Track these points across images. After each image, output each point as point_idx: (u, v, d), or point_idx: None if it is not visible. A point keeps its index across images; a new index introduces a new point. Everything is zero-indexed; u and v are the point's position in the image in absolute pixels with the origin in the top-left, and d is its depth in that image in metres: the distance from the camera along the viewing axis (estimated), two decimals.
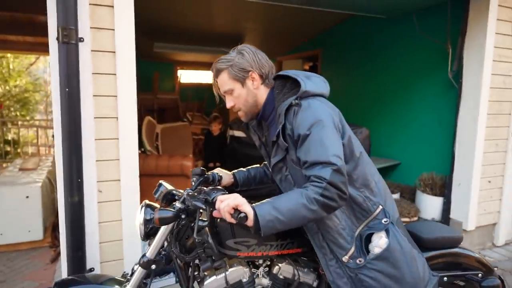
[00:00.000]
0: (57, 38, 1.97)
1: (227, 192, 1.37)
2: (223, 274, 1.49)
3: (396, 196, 4.21)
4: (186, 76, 9.24)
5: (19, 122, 9.04)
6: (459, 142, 3.62)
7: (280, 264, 1.57)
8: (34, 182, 3.61)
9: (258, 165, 1.87)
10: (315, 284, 1.65)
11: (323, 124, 1.31)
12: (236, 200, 1.26)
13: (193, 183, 1.64)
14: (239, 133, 4.78)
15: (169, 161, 4.38)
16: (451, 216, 3.73)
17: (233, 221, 1.25)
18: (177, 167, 4.32)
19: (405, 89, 4.61)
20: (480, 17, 3.38)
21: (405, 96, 4.63)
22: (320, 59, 6.61)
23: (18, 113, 9.81)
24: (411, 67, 4.52)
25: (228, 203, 1.25)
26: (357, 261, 1.42)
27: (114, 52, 2.19)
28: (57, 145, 2.12)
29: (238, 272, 1.51)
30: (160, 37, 6.71)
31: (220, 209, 1.27)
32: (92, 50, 2.13)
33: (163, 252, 1.52)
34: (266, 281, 1.59)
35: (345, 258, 1.43)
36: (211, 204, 1.33)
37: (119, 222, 2.33)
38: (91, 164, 2.18)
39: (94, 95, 2.17)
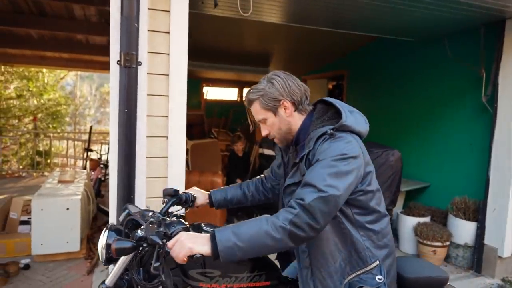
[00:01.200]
0: (119, 62, 2.10)
1: (187, 225, 1.31)
2: None
3: (427, 219, 4.17)
4: (212, 93, 9.44)
5: (51, 134, 9.37)
6: (494, 166, 3.60)
7: None
8: (74, 195, 3.75)
9: (237, 185, 1.86)
10: None
11: (344, 159, 1.26)
12: (184, 248, 1.17)
13: (164, 204, 1.60)
14: (268, 152, 4.86)
15: (200, 177, 4.48)
16: (485, 242, 3.68)
17: (191, 260, 1.21)
18: (207, 183, 4.41)
19: (435, 111, 4.62)
20: None
21: (435, 118, 4.63)
22: (346, 79, 6.67)
23: (50, 126, 10.18)
24: (442, 90, 4.53)
25: (177, 256, 1.18)
26: None
27: (168, 75, 2.32)
28: (112, 162, 2.22)
29: None
30: (190, 55, 6.91)
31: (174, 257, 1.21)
32: (148, 73, 2.25)
33: (126, 278, 1.45)
34: None
35: None
36: (170, 239, 1.24)
37: None
38: (142, 181, 2.27)
39: (147, 115, 2.28)
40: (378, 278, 1.36)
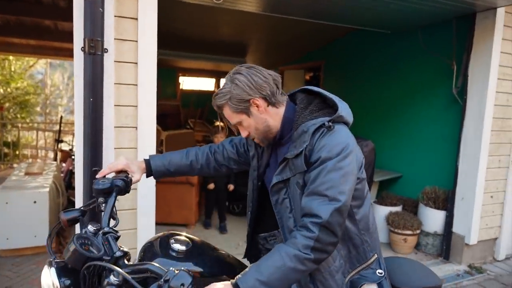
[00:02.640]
0: (83, 49, 2.00)
1: (192, 274, 1.04)
2: None
3: (399, 208, 4.26)
4: (188, 83, 9.28)
5: (19, 125, 9.00)
6: (462, 157, 3.70)
7: None
8: (41, 187, 3.61)
9: (183, 153, 1.61)
10: None
11: (347, 156, 1.21)
12: None
13: (102, 206, 1.29)
14: None
15: None
16: (454, 230, 3.79)
17: None
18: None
19: (409, 103, 4.70)
20: (485, 36, 3.48)
21: (408, 109, 4.71)
22: (323, 70, 6.70)
23: (18, 115, 9.77)
24: (415, 82, 4.61)
25: None
26: None
27: (136, 63, 2.24)
28: (77, 153, 2.14)
29: None
30: (163, 44, 6.74)
31: None
32: (115, 61, 2.17)
33: None
34: None
35: None
36: None
37: (134, 231, 2.35)
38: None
39: (115, 105, 2.20)
40: (379, 272, 1.32)
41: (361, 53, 5.55)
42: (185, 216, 4.41)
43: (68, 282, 1.12)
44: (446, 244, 3.86)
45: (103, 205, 1.30)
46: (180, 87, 8.84)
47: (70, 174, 5.31)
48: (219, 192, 4.43)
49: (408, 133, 4.71)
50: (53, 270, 1.12)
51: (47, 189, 3.58)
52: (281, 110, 1.35)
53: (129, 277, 1.03)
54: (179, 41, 6.56)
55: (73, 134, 8.11)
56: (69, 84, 18.35)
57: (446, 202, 3.91)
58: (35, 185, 3.70)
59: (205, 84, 9.74)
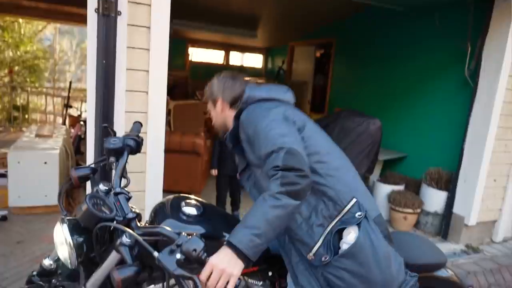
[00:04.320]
0: (97, 10, 2.01)
1: (203, 240, 1.04)
2: None
3: (401, 187, 4.31)
4: (198, 55, 9.22)
5: (28, 89, 9.04)
6: (469, 139, 3.70)
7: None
8: (52, 149, 3.70)
9: None
10: None
11: (267, 118, 1.34)
12: (226, 277, 1.08)
13: (113, 166, 1.33)
14: None
15: (182, 138, 4.46)
16: (454, 210, 3.85)
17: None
18: (189, 144, 4.41)
19: (419, 84, 4.66)
20: (503, 19, 3.41)
21: (417, 90, 4.68)
22: (334, 47, 6.61)
23: (28, 79, 9.79)
24: (426, 62, 4.55)
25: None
26: (322, 258, 1.32)
27: (149, 27, 2.24)
28: (89, 117, 2.18)
29: None
30: (174, 13, 6.64)
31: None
32: (128, 24, 2.17)
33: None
34: None
35: (309, 256, 1.34)
36: (188, 262, 1.02)
37: (143, 193, 2.43)
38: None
39: (127, 69, 2.22)
40: (358, 215, 1.32)
41: (373, 31, 5.46)
42: (191, 184, 4.49)
43: (80, 239, 1.15)
44: (446, 223, 3.92)
45: (114, 164, 1.33)
46: (189, 59, 8.79)
47: (79, 139, 5.40)
48: (232, 179, 3.78)
49: (417, 113, 4.70)
50: (65, 226, 1.15)
51: (58, 151, 3.66)
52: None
53: (141, 239, 1.05)
54: (190, 11, 6.46)
55: (82, 101, 8.16)
56: (77, 51, 18.24)
57: (449, 183, 3.95)
58: (45, 146, 3.78)
59: (214, 56, 9.67)
